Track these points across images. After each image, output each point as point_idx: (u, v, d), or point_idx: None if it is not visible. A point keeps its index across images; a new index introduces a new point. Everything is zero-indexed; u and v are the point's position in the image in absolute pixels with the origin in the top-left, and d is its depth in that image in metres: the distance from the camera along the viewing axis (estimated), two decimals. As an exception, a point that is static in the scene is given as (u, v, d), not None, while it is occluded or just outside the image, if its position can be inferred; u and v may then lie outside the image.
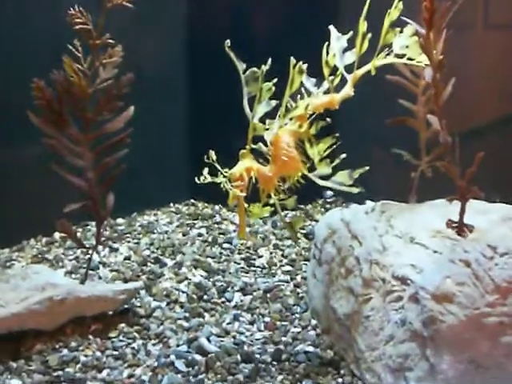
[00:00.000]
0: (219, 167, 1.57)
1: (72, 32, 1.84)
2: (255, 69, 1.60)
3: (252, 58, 1.62)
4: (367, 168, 1.68)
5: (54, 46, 1.88)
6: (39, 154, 2.30)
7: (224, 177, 1.57)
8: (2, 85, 2.41)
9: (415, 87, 2.18)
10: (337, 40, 1.76)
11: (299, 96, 1.65)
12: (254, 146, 1.62)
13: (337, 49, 1.74)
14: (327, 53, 1.71)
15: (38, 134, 1.89)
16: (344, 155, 1.66)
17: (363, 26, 1.70)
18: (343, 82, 1.75)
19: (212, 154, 1.58)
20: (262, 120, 1.62)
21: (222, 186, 1.57)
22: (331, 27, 1.77)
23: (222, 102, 2.59)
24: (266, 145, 1.63)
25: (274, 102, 1.61)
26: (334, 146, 1.66)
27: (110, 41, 1.88)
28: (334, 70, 1.73)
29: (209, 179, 1.55)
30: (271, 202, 1.67)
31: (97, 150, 1.94)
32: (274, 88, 1.58)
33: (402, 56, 1.75)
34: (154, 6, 2.69)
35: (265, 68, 1.56)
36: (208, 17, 2.94)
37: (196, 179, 1.56)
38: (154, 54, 2.79)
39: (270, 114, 1.62)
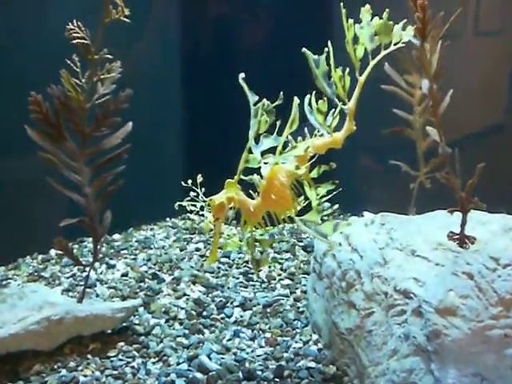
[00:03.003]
0: (201, 192, 1.55)
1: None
2: (266, 101, 1.52)
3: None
4: (351, 223, 1.68)
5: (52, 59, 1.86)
6: (34, 170, 2.30)
7: (204, 201, 1.54)
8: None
9: (411, 97, 2.19)
10: (316, 65, 1.63)
11: (300, 138, 1.60)
12: (244, 178, 1.56)
13: (320, 75, 1.63)
14: (317, 100, 1.61)
15: (32, 149, 1.88)
16: (336, 205, 1.63)
17: (337, 75, 1.60)
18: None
19: (198, 177, 1.56)
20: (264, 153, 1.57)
21: (200, 210, 1.54)
22: (305, 50, 1.61)
23: (220, 118, 2.60)
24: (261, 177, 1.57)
25: (281, 138, 1.53)
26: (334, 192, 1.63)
27: (109, 56, 1.87)
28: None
29: (187, 204, 1.54)
30: (247, 236, 1.63)
31: (94, 165, 1.92)
32: (272, 122, 1.53)
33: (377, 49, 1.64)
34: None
35: (267, 103, 1.51)
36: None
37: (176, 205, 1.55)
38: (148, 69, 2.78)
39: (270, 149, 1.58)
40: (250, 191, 1.59)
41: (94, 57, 1.86)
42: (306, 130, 1.62)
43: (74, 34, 1.82)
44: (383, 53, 1.64)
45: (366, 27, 1.63)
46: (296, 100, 1.51)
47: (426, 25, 1.58)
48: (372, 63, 1.63)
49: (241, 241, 1.66)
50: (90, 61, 1.87)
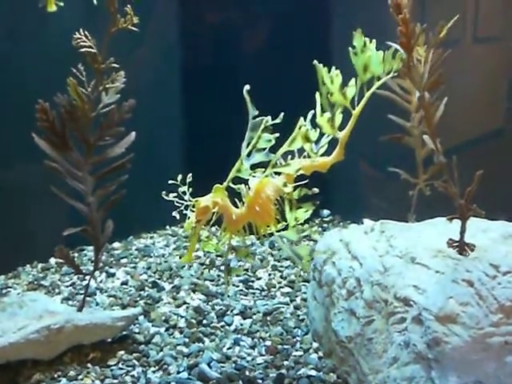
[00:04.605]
0: (187, 191, 1.57)
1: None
2: (266, 118, 1.55)
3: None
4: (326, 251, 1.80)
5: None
6: (35, 178, 2.30)
7: (190, 201, 1.57)
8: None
9: (408, 104, 2.18)
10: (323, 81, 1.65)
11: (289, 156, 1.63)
12: (233, 186, 1.60)
13: (324, 92, 1.65)
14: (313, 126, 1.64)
15: (33, 157, 1.88)
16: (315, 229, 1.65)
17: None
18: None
19: (189, 176, 1.58)
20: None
21: (184, 208, 1.57)
22: (316, 63, 1.64)
23: (221, 127, 2.59)
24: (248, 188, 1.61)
25: (272, 156, 1.57)
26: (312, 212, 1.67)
27: (115, 65, 1.87)
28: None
29: (172, 199, 1.57)
30: (226, 242, 1.66)
31: (97, 174, 1.93)
32: (272, 141, 1.55)
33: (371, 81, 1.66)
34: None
35: (270, 120, 1.53)
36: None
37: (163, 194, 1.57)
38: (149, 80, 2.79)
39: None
40: (236, 200, 1.63)
41: (100, 66, 1.86)
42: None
43: (82, 43, 1.83)
44: (377, 84, 1.64)
45: (360, 55, 1.63)
46: (301, 121, 1.55)
47: (409, 38, 1.58)
48: (367, 95, 1.63)
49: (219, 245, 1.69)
50: (96, 70, 1.87)
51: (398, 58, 1.62)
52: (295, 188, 1.65)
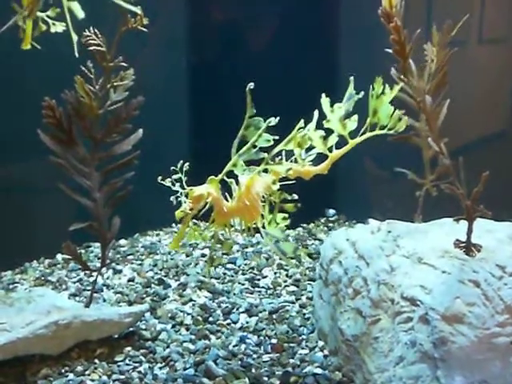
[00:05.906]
0: (184, 180, 1.59)
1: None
2: (260, 118, 1.59)
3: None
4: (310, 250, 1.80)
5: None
6: (42, 175, 2.31)
7: (184, 189, 1.59)
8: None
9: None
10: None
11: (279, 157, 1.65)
12: (226, 179, 1.63)
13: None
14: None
15: (39, 154, 1.90)
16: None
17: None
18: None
19: (186, 164, 1.60)
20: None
21: (177, 196, 1.58)
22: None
23: (228, 124, 2.60)
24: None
25: (262, 155, 1.61)
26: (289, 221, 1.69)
27: (123, 64, 1.88)
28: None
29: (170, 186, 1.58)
30: (211, 234, 1.68)
31: (104, 170, 1.94)
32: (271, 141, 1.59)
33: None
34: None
35: (273, 120, 1.56)
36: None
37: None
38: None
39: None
40: (226, 194, 1.65)
41: (108, 64, 1.87)
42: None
43: (91, 41, 1.84)
44: (377, 132, 1.64)
45: (374, 100, 1.62)
46: (301, 123, 1.57)
47: (403, 45, 1.59)
48: (368, 135, 1.64)
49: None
50: (104, 68, 1.88)
51: (404, 121, 1.62)
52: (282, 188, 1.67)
